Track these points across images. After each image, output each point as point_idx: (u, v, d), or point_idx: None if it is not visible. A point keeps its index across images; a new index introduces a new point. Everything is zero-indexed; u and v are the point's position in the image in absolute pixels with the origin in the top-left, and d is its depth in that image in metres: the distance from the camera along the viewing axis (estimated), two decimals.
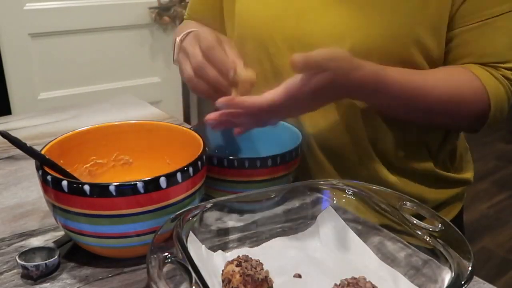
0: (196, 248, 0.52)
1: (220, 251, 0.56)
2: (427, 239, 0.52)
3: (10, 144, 0.55)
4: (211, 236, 0.58)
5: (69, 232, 0.56)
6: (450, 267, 0.47)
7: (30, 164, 0.81)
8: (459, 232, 0.51)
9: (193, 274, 0.43)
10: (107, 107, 1.10)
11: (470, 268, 0.46)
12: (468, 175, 0.87)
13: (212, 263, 0.54)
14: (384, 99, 0.68)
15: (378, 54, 0.69)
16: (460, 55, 0.73)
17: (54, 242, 0.58)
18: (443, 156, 0.82)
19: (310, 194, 0.63)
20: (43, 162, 0.55)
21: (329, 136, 0.78)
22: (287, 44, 0.76)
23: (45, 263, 0.54)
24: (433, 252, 0.51)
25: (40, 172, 0.54)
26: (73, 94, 2.04)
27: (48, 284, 0.54)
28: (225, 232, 0.60)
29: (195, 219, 0.54)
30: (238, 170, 0.65)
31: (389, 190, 0.59)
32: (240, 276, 0.49)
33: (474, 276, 0.51)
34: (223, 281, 0.51)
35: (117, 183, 0.51)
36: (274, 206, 0.62)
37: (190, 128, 0.67)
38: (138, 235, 0.54)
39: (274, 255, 0.57)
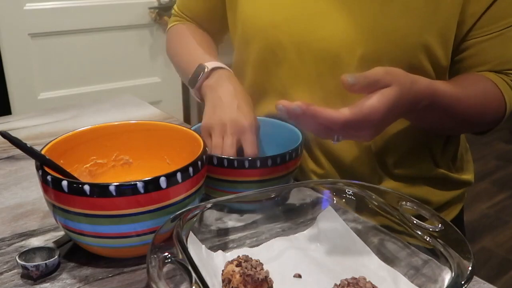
0: (196, 248, 0.52)
1: (220, 251, 0.56)
2: (427, 239, 0.52)
3: (10, 144, 0.55)
4: (211, 236, 0.58)
5: (69, 232, 0.56)
6: (450, 267, 0.47)
7: (30, 164, 0.81)
8: (459, 232, 0.51)
9: (193, 274, 0.43)
10: (107, 107, 1.10)
11: (470, 268, 0.46)
12: (469, 176, 0.87)
13: (212, 263, 0.54)
14: (436, 112, 0.67)
15: (388, 60, 0.69)
16: (477, 63, 0.74)
17: (54, 242, 0.58)
18: (445, 158, 0.82)
19: (310, 194, 0.63)
20: (43, 162, 0.55)
21: None
22: (295, 49, 0.75)
23: (45, 263, 0.54)
24: (433, 252, 0.51)
25: (40, 172, 0.54)
26: (73, 94, 2.05)
27: (48, 284, 0.54)
28: (225, 232, 0.60)
29: (195, 219, 0.54)
30: (238, 170, 0.65)
31: (389, 190, 0.59)
32: (240, 276, 0.49)
33: (474, 276, 0.51)
34: (223, 281, 0.50)
35: (117, 183, 0.51)
36: (274, 206, 0.62)
37: (190, 128, 0.67)
38: (138, 235, 0.54)
39: (274, 255, 0.57)
